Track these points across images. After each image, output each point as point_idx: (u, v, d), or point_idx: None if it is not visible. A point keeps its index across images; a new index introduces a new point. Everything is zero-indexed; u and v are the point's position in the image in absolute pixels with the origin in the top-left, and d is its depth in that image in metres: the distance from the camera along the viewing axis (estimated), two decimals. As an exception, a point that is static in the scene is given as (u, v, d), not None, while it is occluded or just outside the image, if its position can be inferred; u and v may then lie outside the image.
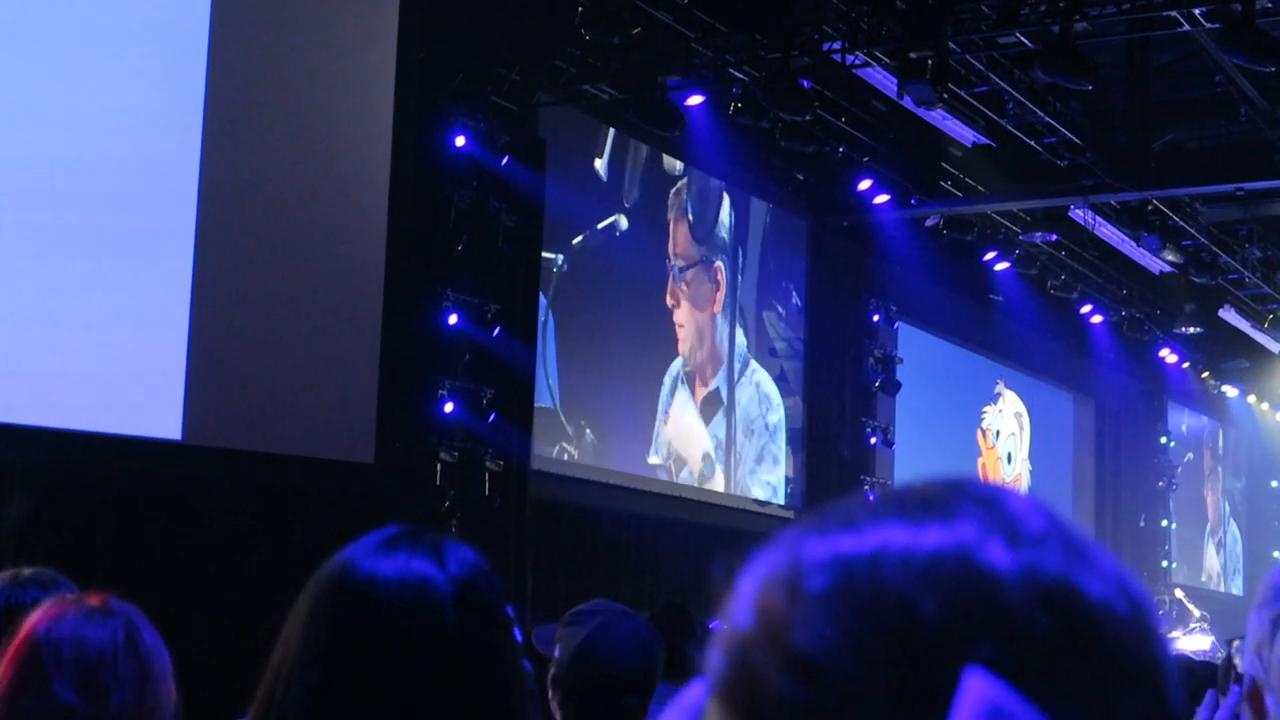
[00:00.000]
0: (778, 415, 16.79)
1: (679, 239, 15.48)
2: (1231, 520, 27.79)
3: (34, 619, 2.32)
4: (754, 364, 16.51)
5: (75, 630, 2.29)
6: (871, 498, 0.78)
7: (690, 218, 15.63)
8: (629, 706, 3.02)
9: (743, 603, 0.75)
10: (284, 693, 1.53)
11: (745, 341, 16.40)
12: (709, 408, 15.77)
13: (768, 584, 0.74)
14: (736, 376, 16.26)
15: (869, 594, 0.71)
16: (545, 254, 13.65)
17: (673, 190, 15.42)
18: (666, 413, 15.19)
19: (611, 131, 14.57)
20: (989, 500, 0.75)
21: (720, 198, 16.12)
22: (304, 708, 1.51)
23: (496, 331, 12.62)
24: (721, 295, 16.02)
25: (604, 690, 3.04)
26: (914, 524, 0.73)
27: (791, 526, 0.78)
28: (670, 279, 15.34)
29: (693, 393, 15.56)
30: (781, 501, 16.74)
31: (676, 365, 15.35)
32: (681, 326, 15.46)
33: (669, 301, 15.32)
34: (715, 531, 15.40)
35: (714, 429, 15.83)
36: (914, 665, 0.69)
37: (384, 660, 1.51)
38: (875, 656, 0.70)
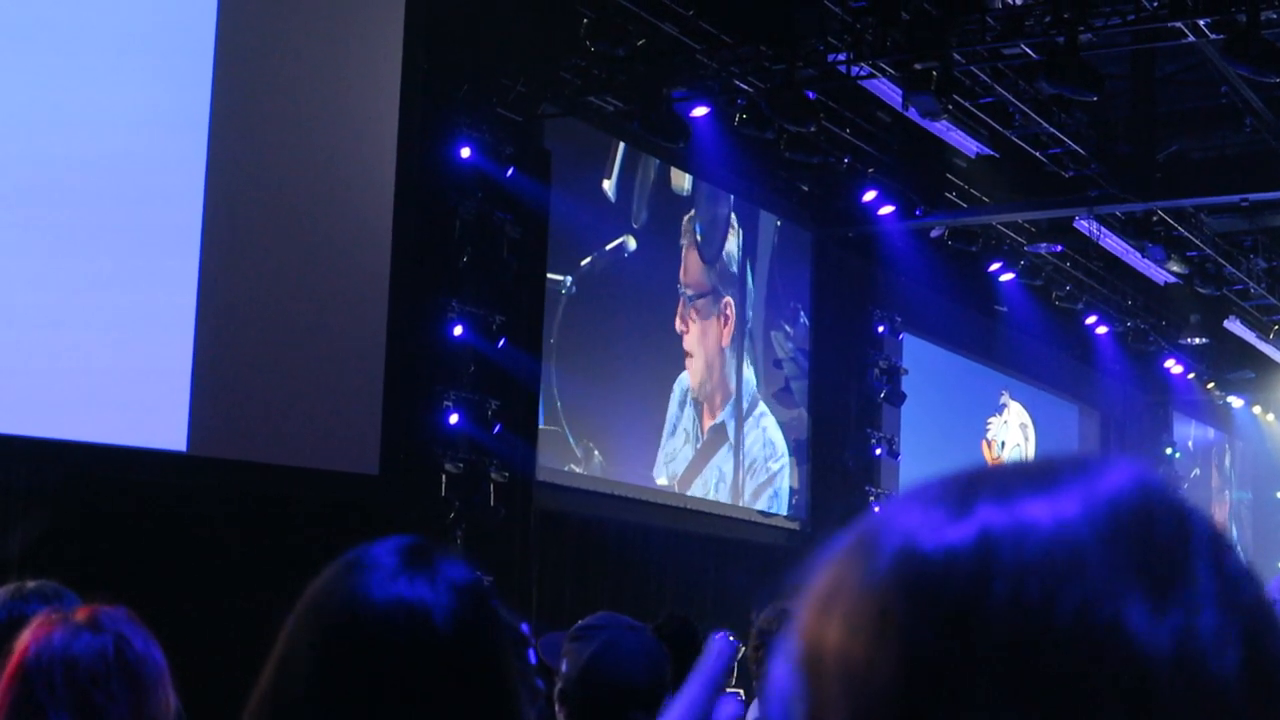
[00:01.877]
0: (781, 464, 16.76)
1: (690, 266, 15.48)
2: (1236, 534, 27.73)
3: (24, 641, 2.30)
4: (762, 405, 16.49)
5: (64, 652, 2.27)
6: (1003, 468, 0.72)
7: (699, 238, 15.62)
8: None
9: (832, 598, 0.70)
10: (274, 700, 1.51)
11: (755, 380, 16.38)
12: (715, 438, 15.74)
13: (856, 576, 0.69)
14: (745, 414, 16.22)
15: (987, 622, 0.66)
16: (553, 275, 13.65)
17: (685, 217, 15.43)
18: (674, 434, 15.17)
19: (620, 151, 14.56)
20: (1139, 509, 0.69)
21: (729, 220, 16.11)
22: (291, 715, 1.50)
23: (501, 343, 12.62)
24: (730, 329, 16.01)
25: (612, 706, 3.04)
26: (1026, 517, 0.68)
27: (906, 496, 0.72)
28: (680, 304, 15.32)
29: (700, 419, 15.53)
30: (786, 513, 16.72)
31: (685, 380, 15.32)
32: (690, 355, 15.43)
33: (679, 326, 15.30)
34: (720, 543, 15.38)
35: (718, 461, 15.78)
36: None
37: (366, 674, 1.49)
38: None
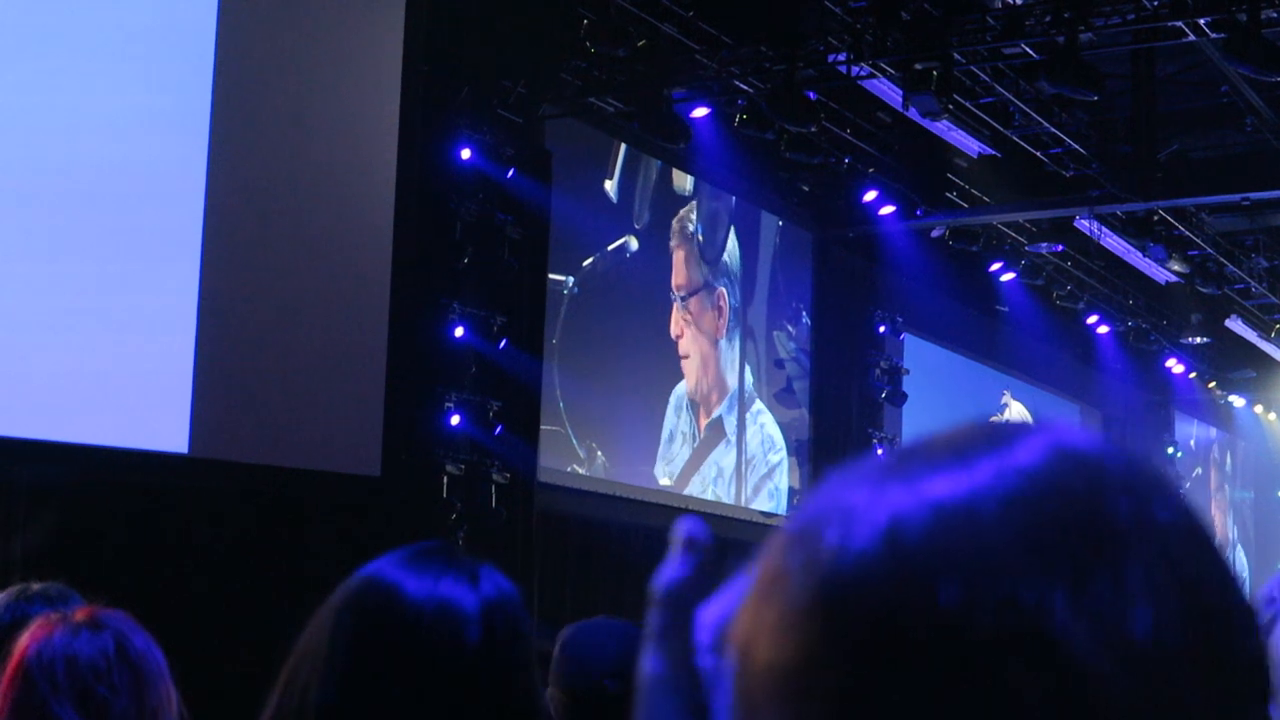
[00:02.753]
0: (779, 457, 16.76)
1: (681, 267, 15.44)
2: (1237, 534, 27.72)
3: (24, 642, 2.31)
4: (759, 404, 16.48)
5: (65, 649, 2.28)
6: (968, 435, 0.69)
7: (700, 239, 15.61)
8: (612, 693, 3.04)
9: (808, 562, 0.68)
10: (302, 696, 1.52)
11: (753, 378, 16.36)
12: (713, 435, 15.73)
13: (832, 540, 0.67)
14: (743, 410, 16.20)
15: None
16: (556, 276, 13.65)
17: (675, 219, 15.38)
18: (672, 439, 15.16)
19: (622, 152, 14.56)
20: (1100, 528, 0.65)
21: (729, 221, 16.10)
22: (321, 712, 1.51)
23: (503, 344, 12.62)
24: (724, 321, 15.97)
25: (583, 675, 3.08)
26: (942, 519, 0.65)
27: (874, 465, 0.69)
28: (674, 309, 15.30)
29: (697, 420, 15.52)
30: (787, 513, 16.73)
31: (681, 389, 15.32)
32: (686, 357, 15.41)
33: (673, 332, 15.28)
34: (722, 543, 15.32)
35: (716, 456, 15.77)
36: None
37: (403, 673, 1.50)
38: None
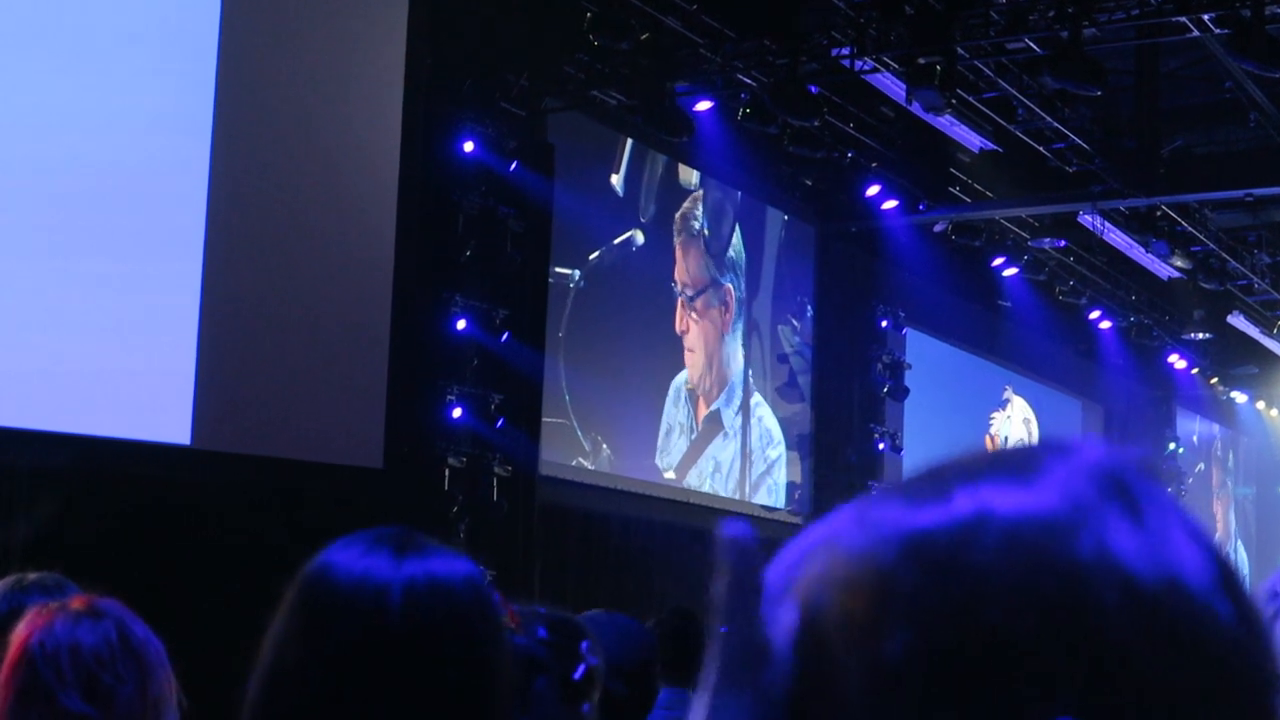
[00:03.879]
0: (778, 451, 16.75)
1: (686, 264, 15.41)
2: (1238, 530, 27.72)
3: (24, 631, 2.30)
4: (758, 396, 16.47)
5: (69, 638, 2.28)
6: (965, 460, 0.73)
7: (706, 233, 15.60)
8: (616, 696, 3.01)
9: (812, 579, 0.70)
10: (254, 675, 1.57)
11: (754, 372, 16.35)
12: (710, 428, 15.72)
13: (836, 564, 0.70)
14: (741, 405, 16.20)
15: (956, 596, 0.67)
16: (562, 270, 13.65)
17: (678, 214, 15.35)
18: (670, 432, 15.16)
19: (628, 146, 14.55)
20: (1096, 472, 0.70)
21: (735, 215, 16.09)
22: (263, 686, 1.56)
23: (505, 337, 12.63)
24: (731, 317, 15.98)
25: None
26: (1012, 494, 0.69)
27: (877, 495, 0.73)
28: (680, 305, 15.28)
29: (694, 412, 15.51)
30: (788, 507, 16.73)
31: (680, 380, 15.31)
32: (691, 351, 15.40)
33: (678, 327, 15.26)
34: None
35: (713, 450, 15.77)
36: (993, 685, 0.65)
37: (326, 646, 1.55)
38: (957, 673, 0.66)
